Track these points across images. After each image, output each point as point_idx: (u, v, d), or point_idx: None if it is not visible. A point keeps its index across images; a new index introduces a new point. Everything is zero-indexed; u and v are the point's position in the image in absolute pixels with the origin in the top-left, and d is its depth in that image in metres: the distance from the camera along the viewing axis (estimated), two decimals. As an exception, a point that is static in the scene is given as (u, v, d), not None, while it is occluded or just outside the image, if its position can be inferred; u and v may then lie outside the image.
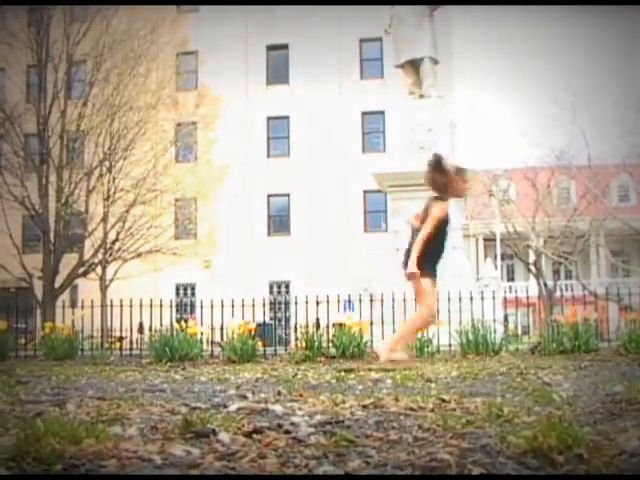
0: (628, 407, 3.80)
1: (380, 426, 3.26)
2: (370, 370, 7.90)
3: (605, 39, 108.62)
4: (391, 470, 2.34)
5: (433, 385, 5.70)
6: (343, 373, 7.45)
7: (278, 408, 3.86)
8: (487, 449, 2.55)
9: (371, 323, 14.71)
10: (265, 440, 2.81)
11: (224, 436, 2.89)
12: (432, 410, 3.80)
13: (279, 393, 5.04)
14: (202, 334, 14.71)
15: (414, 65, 19.65)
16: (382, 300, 15.42)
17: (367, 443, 2.76)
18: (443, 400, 4.17)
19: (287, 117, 51.38)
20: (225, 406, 4.15)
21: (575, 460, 2.35)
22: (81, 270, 36.71)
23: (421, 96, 19.45)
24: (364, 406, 4.00)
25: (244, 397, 4.90)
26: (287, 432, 3.02)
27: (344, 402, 4.22)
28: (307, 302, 15.32)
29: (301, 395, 4.79)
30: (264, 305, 18.01)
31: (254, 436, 2.92)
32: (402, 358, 9.18)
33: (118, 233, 37.03)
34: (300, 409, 3.90)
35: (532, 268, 53.86)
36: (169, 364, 11.74)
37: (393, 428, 3.19)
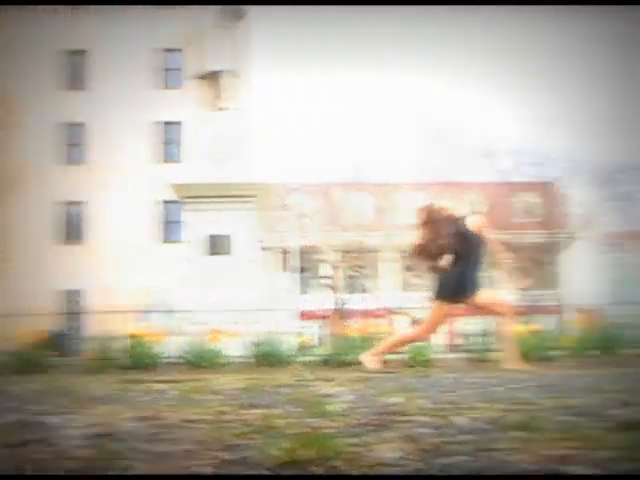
0: (400, 418, 3.92)
1: (153, 438, 3.26)
2: (158, 381, 7.87)
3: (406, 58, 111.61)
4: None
5: (218, 397, 5.72)
6: (129, 384, 7.39)
7: (55, 420, 3.81)
8: (248, 461, 2.59)
9: (165, 333, 14.65)
10: (27, 453, 2.77)
11: (-13, 449, 2.83)
12: (210, 422, 3.82)
13: (60, 404, 4.96)
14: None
15: (214, 77, 19.72)
16: (176, 311, 15.39)
17: (134, 456, 2.76)
18: (222, 412, 4.20)
19: (83, 124, 50.44)
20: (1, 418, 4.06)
21: (331, 472, 2.42)
22: None
23: (220, 108, 19.54)
24: (142, 418, 3.98)
25: (23, 409, 4.79)
26: (54, 444, 2.98)
27: (123, 414, 4.20)
28: (101, 312, 15.15)
29: (82, 407, 4.73)
30: (57, 314, 17.62)
31: (17, 449, 2.87)
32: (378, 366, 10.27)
33: None
34: (77, 421, 3.85)
35: (326, 281, 54.77)
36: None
37: (165, 440, 3.19)
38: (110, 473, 2.45)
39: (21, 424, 3.76)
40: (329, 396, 5.66)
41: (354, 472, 2.42)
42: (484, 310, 10.76)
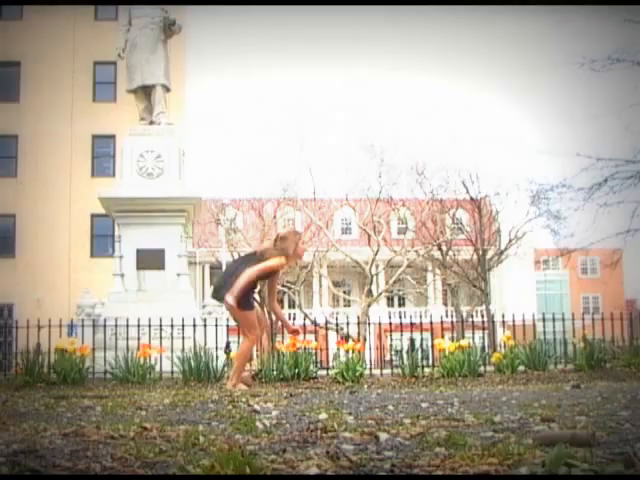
0: (323, 435, 3.93)
1: (73, 455, 3.23)
2: (83, 397, 7.80)
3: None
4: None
5: (143, 413, 5.69)
6: (54, 400, 7.31)
7: (-25, 436, 3.76)
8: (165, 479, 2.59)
9: (93, 349, 14.51)
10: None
11: None
12: (132, 438, 3.80)
13: (-18, 421, 4.90)
14: None
15: (146, 91, 19.63)
16: (105, 325, 15.26)
17: (53, 472, 2.74)
18: (145, 428, 4.18)
19: (16, 136, 49.81)
20: None
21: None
22: None
23: (151, 122, 19.44)
24: (64, 435, 3.95)
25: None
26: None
27: (45, 430, 4.16)
28: (29, 326, 14.94)
29: (4, 423, 4.68)
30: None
31: None
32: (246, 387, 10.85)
33: None
34: (-2, 437, 3.81)
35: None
36: None
37: (85, 457, 3.17)
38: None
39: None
40: (256, 412, 5.66)
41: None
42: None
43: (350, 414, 5.37)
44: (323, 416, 5.16)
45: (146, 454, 3.17)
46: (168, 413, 5.68)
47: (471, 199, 51.04)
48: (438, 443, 3.48)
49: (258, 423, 4.49)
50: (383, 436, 3.79)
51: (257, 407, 6.06)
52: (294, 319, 23.41)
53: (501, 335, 17.54)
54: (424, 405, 6.41)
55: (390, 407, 6.20)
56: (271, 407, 6.21)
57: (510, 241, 50.78)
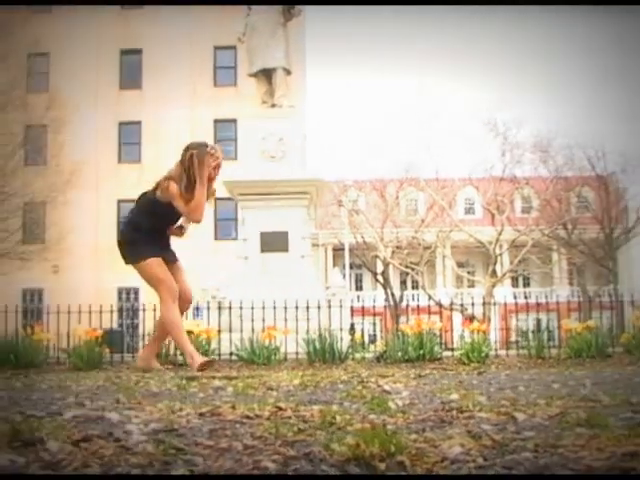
0: (459, 415, 3.89)
1: (213, 434, 3.26)
2: (213, 378, 7.88)
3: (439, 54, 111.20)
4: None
5: (274, 393, 5.72)
6: (185, 381, 7.41)
7: (114, 416, 3.82)
8: (310, 457, 2.58)
9: (219, 331, 14.68)
10: (92, 448, 2.78)
11: (52, 444, 2.83)
12: (268, 418, 3.82)
13: (118, 401, 4.99)
14: (48, 340, 14.39)
15: (267, 74, 19.71)
16: (230, 307, 15.41)
17: (196, 451, 2.76)
18: (280, 408, 4.20)
19: (139, 122, 50.81)
20: (60, 414, 4.07)
21: (397, 467, 2.40)
22: None
23: (273, 105, 19.52)
24: (200, 414, 3.99)
25: (82, 405, 4.83)
26: (117, 440, 2.99)
27: (181, 410, 4.21)
28: (155, 309, 15.20)
29: (139, 403, 4.76)
30: (112, 312, 17.75)
31: (81, 444, 2.88)
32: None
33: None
34: (136, 417, 3.87)
35: (380, 278, 54.67)
36: (11, 371, 11.41)
37: (225, 436, 3.19)
38: (173, 472, 2.45)
39: (83, 419, 3.78)
40: (387, 392, 5.64)
41: (419, 468, 2.40)
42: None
43: (482, 394, 5.31)
44: (455, 396, 5.12)
45: (285, 433, 3.17)
46: (299, 394, 5.70)
47: (597, 176, 50.14)
48: (579, 424, 3.41)
49: (391, 403, 4.47)
50: (520, 416, 3.73)
51: (387, 387, 6.04)
52: (418, 300, 23.31)
53: (630, 315, 17.15)
54: (555, 386, 6.30)
55: (521, 388, 6.11)
56: (401, 388, 6.18)
57: (638, 219, 49.74)
